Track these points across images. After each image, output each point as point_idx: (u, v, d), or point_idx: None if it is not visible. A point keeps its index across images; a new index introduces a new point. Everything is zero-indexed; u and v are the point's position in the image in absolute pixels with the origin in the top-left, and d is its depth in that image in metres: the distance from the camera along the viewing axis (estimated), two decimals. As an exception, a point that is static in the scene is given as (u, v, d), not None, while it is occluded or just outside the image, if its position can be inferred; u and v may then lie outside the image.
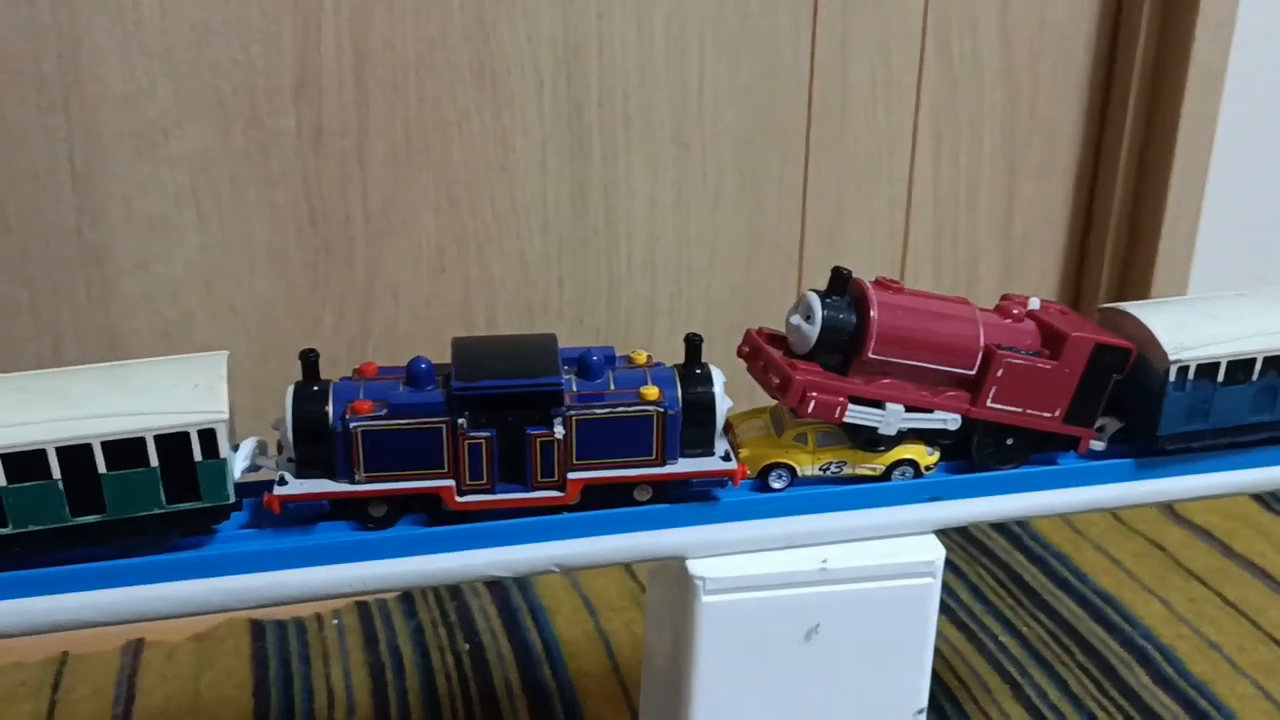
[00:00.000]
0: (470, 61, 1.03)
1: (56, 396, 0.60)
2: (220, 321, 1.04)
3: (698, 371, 0.67)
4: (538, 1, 1.03)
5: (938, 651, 1.06)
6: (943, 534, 1.24)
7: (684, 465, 0.67)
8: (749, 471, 0.69)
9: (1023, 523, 1.26)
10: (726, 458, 0.67)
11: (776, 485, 0.69)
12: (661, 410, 0.65)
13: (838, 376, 0.67)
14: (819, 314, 0.66)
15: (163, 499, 0.60)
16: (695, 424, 0.66)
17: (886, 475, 0.70)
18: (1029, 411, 0.69)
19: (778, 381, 0.67)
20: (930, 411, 0.68)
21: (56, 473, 0.58)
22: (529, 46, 1.04)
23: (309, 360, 0.64)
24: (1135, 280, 1.24)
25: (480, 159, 1.06)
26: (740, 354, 0.71)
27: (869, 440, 0.69)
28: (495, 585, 1.15)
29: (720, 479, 0.67)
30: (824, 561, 0.67)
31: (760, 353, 0.70)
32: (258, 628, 1.08)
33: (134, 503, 0.60)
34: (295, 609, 1.09)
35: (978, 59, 1.17)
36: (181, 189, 1.00)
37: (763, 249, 1.17)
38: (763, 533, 0.68)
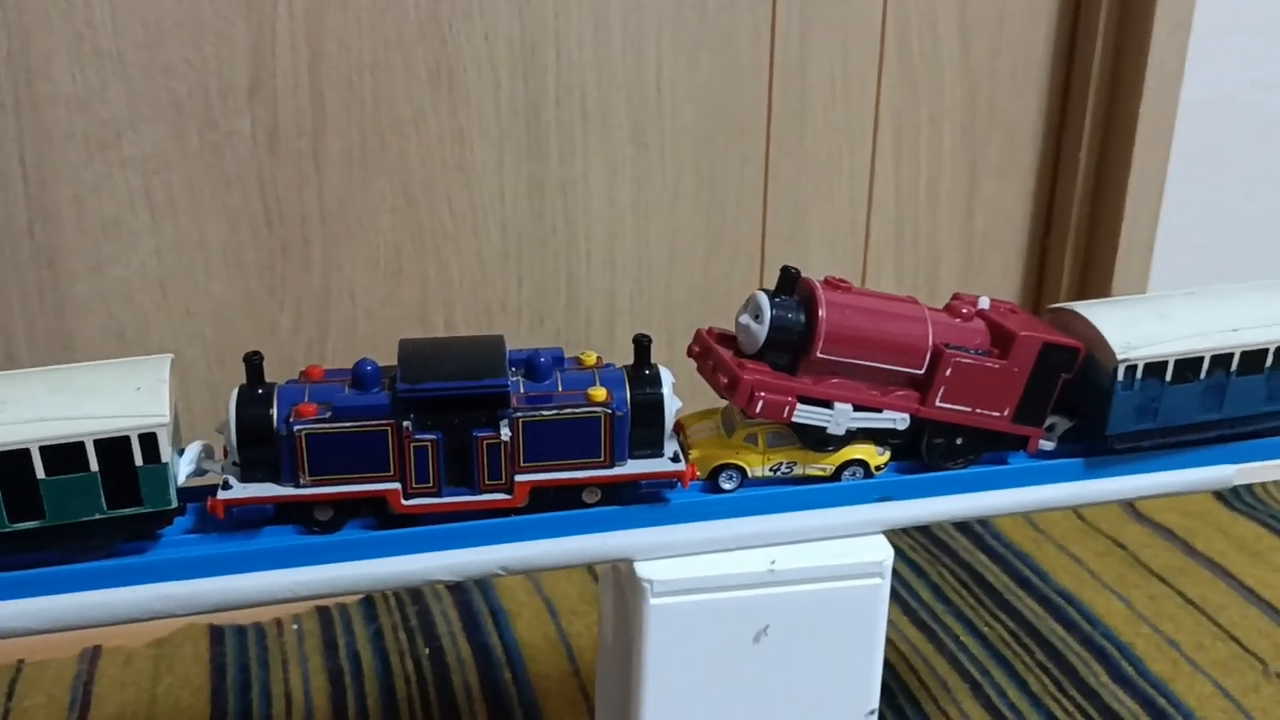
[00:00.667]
0: (426, 61, 1.02)
1: (-7, 401, 0.59)
2: (175, 324, 1.03)
3: (646, 372, 0.67)
4: (494, 0, 1.02)
5: (898, 651, 1.07)
6: (904, 533, 1.24)
7: (633, 467, 0.66)
8: (699, 472, 0.69)
9: (984, 522, 1.26)
10: (676, 459, 0.67)
11: (727, 486, 0.69)
12: (609, 412, 0.64)
13: (786, 376, 0.67)
14: (768, 313, 0.66)
15: (104, 504, 0.60)
16: (644, 425, 0.66)
17: (837, 475, 0.70)
18: (978, 411, 0.69)
19: (726, 381, 0.66)
20: (879, 411, 0.68)
21: (-8, 478, 0.58)
22: (485, 45, 1.03)
23: (253, 363, 0.63)
24: (1095, 278, 1.25)
25: (437, 159, 1.06)
26: (690, 353, 0.71)
27: (818, 440, 0.69)
28: (456, 588, 1.15)
29: (669, 480, 0.67)
30: (772, 563, 0.67)
31: (710, 352, 0.69)
32: (217, 633, 1.07)
33: (74, 508, 0.59)
34: (254, 613, 1.08)
35: (937, 57, 1.17)
36: (135, 191, 0.99)
37: (723, 248, 1.17)
38: (712, 534, 0.68)
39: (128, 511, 0.60)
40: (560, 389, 0.66)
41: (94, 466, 0.59)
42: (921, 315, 0.69)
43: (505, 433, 0.64)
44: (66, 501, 0.59)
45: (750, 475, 0.69)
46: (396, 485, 0.63)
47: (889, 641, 1.08)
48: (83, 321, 1.01)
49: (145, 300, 1.02)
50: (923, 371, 0.68)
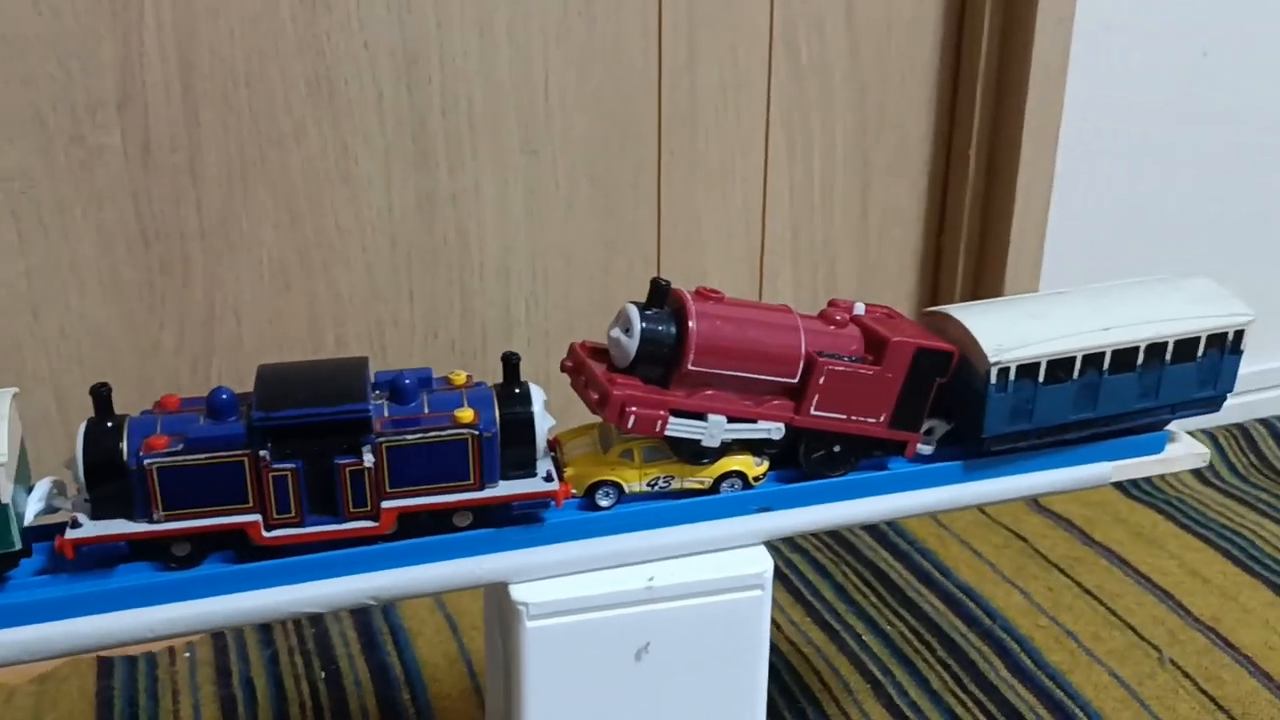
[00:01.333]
0: (304, 73, 1.00)
1: None
2: (49, 348, 1.00)
3: (516, 391, 0.66)
4: (372, 10, 1.00)
5: (800, 653, 1.07)
6: (808, 535, 1.24)
7: (504, 488, 0.65)
8: (575, 491, 0.68)
9: (889, 520, 1.27)
10: (549, 478, 0.66)
11: (603, 503, 0.68)
12: (477, 433, 0.63)
13: (658, 390, 0.66)
14: (638, 327, 0.65)
15: (-58, 547, 0.57)
16: (514, 445, 0.65)
17: (715, 487, 0.69)
18: (853, 418, 0.69)
19: (597, 397, 0.65)
20: (754, 422, 0.68)
21: None
22: (365, 55, 1.01)
23: (100, 395, 0.61)
24: (989, 276, 1.26)
25: (320, 172, 1.03)
26: (563, 368, 0.70)
27: (694, 453, 0.68)
28: (357, 608, 1.13)
29: (543, 500, 0.66)
30: (650, 579, 0.66)
31: (582, 367, 0.68)
32: (105, 665, 1.04)
33: (-88, 552, 0.57)
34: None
35: (825, 60, 1.17)
36: (0, 211, 0.95)
37: (619, 255, 1.16)
38: (588, 553, 0.67)
39: (-30, 554, 0.58)
40: (426, 411, 0.64)
41: (-71, 509, 0.56)
42: (794, 324, 0.68)
43: (368, 459, 0.62)
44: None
45: (627, 491, 0.68)
46: (256, 517, 0.61)
47: (792, 644, 1.08)
48: (-49, 348, 0.97)
49: (16, 324, 0.98)
50: (797, 380, 0.68)
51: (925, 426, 0.72)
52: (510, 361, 0.66)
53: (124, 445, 0.60)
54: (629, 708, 0.68)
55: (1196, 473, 1.40)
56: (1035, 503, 1.33)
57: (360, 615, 1.12)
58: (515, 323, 1.14)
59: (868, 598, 1.15)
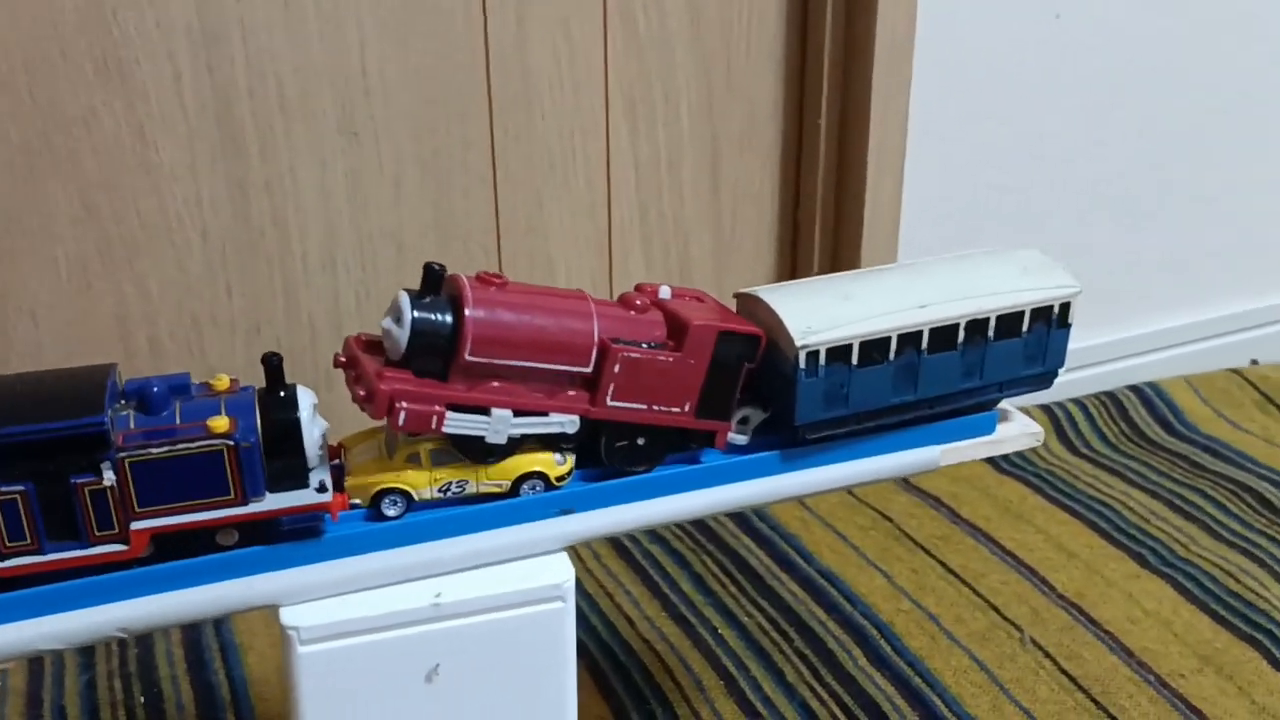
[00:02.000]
0: (91, 53, 0.92)
1: None
2: None
3: (281, 395, 0.60)
4: (163, -17, 0.93)
5: (653, 650, 1.02)
6: (669, 526, 1.19)
7: (271, 502, 0.59)
8: (359, 500, 0.63)
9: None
10: (322, 488, 0.60)
11: (390, 513, 0.63)
12: (233, 444, 0.57)
13: (434, 383, 0.61)
14: (408, 315, 0.60)
15: None
16: (280, 454, 0.59)
17: (514, 490, 0.64)
18: (655, 407, 0.64)
19: (364, 393, 0.60)
20: (545, 415, 0.63)
21: None
22: (159, 34, 0.94)
23: None
24: (846, 250, 1.23)
25: (117, 161, 0.96)
26: (336, 364, 0.64)
27: (481, 451, 0.63)
28: (187, 625, 1.06)
29: (316, 514, 0.60)
30: (437, 596, 0.61)
31: (355, 362, 0.63)
32: (-99, 701, 0.96)
33: None
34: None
35: (665, 31, 1.12)
36: None
37: (454, 241, 1.10)
38: (370, 568, 0.61)
39: None
40: (178, 421, 0.58)
41: None
42: (586, 310, 0.63)
43: (109, 476, 0.56)
44: None
45: (417, 498, 0.63)
46: None
47: (645, 641, 1.03)
48: None
49: None
50: (590, 369, 0.63)
51: (739, 415, 0.68)
52: (271, 363, 0.60)
53: None
54: (421, 733, 0.63)
55: (1067, 443, 1.38)
56: (905, 481, 1.30)
57: (189, 632, 1.05)
58: (346, 315, 1.08)
59: (726, 588, 1.11)
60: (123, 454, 0.56)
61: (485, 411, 0.61)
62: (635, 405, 0.64)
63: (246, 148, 1.00)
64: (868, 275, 0.71)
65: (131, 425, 0.57)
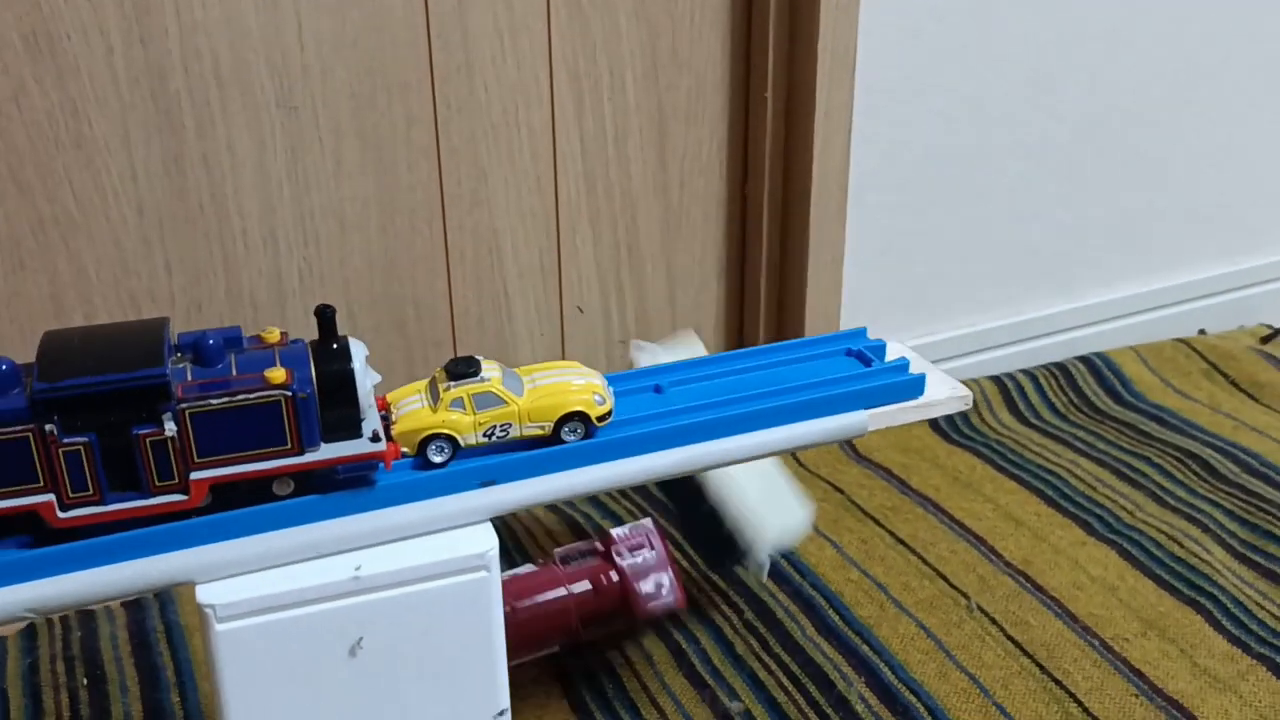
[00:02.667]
0: (18, 26, 0.91)
1: None
2: None
3: (334, 347, 0.60)
4: (91, -45, 0.91)
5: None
6: (623, 496, 1.19)
7: (326, 451, 0.60)
8: (407, 449, 0.64)
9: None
10: (375, 438, 0.60)
11: (437, 460, 0.64)
12: (290, 394, 0.57)
13: None
14: None
15: None
16: (334, 405, 0.59)
17: (556, 432, 0.66)
18: None
19: None
20: None
21: None
22: (88, 7, 0.92)
23: None
24: (795, 220, 1.22)
25: (48, 137, 0.94)
26: None
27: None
28: (132, 605, 1.05)
29: (371, 462, 0.61)
30: (357, 568, 0.60)
31: None
32: None
33: None
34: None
35: (609, 1, 1.11)
36: None
37: (398, 215, 1.09)
38: (295, 541, 0.61)
39: None
40: (234, 373, 0.58)
41: None
42: None
43: (170, 427, 0.56)
44: None
45: (463, 444, 0.64)
46: (49, 497, 0.56)
47: (595, 617, 1.03)
48: None
49: None
50: None
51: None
52: (325, 315, 0.60)
53: None
54: (351, 709, 0.62)
55: (1016, 413, 1.39)
56: (855, 452, 1.30)
57: (134, 613, 1.04)
58: (289, 293, 1.07)
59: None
60: (183, 405, 0.56)
61: None
62: None
63: (182, 122, 0.98)
64: None
65: (189, 377, 0.58)
